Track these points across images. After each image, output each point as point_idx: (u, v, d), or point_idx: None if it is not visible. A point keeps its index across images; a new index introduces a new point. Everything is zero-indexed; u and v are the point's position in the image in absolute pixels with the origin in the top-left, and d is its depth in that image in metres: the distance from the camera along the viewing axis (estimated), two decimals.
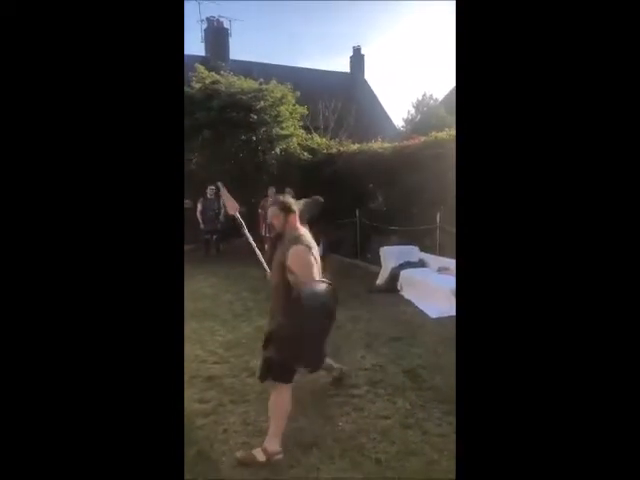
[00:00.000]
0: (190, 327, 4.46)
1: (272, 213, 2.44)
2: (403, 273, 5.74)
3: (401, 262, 5.93)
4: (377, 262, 6.55)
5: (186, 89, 9.31)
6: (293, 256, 2.25)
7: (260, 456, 2.28)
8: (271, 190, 8.15)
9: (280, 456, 2.30)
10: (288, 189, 7.78)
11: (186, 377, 3.31)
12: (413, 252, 6.20)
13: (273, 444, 2.29)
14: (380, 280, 6.10)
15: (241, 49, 34.55)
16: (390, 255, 6.20)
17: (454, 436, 2.31)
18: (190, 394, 3.04)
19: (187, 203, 8.65)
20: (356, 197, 8.02)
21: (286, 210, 2.41)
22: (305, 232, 2.43)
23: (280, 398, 2.32)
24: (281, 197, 2.55)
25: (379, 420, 2.70)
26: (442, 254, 5.90)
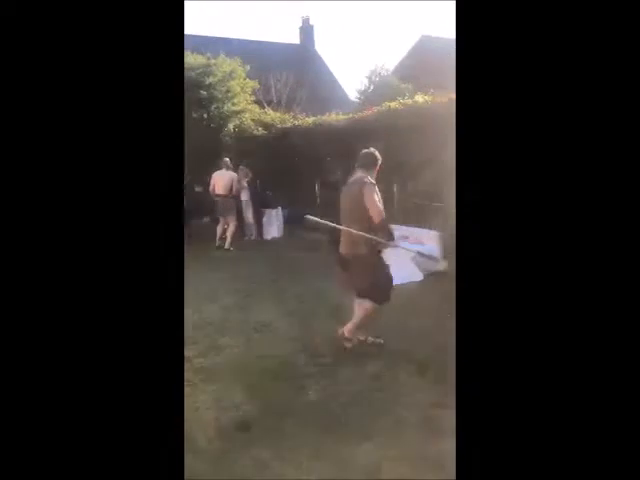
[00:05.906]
0: None
1: None
2: None
3: None
4: None
5: None
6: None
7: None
8: (225, 162, 7.68)
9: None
10: (241, 166, 7.67)
11: None
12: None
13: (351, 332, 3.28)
14: None
15: (189, 23, 33.10)
16: None
17: None
18: None
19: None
20: (315, 171, 8.01)
21: None
22: None
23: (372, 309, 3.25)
24: None
25: None
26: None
